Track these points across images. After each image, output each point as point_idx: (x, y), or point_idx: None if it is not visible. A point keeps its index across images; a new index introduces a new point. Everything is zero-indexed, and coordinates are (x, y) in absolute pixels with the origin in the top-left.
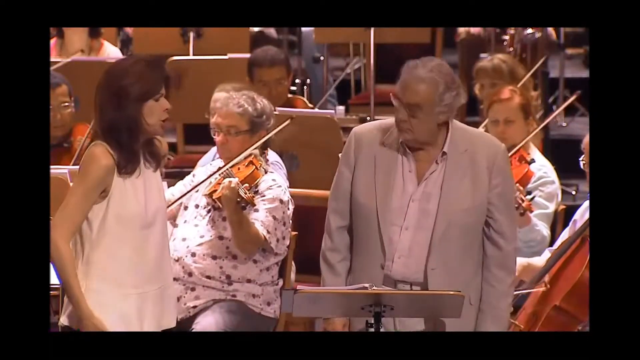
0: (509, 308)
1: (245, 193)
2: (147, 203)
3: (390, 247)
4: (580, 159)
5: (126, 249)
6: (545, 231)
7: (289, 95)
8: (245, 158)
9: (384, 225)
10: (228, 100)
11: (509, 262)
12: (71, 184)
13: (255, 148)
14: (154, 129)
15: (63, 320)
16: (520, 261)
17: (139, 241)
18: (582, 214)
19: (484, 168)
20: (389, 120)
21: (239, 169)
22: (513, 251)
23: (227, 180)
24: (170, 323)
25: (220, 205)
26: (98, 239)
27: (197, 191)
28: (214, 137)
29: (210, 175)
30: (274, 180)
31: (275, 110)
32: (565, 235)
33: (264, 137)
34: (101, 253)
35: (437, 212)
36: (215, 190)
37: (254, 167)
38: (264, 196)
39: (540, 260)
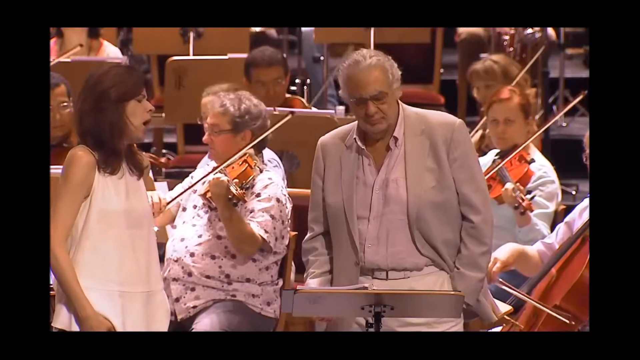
0: (479, 280)
1: (237, 189)
2: (133, 203)
3: (360, 239)
4: (583, 154)
5: (110, 246)
6: (546, 231)
7: (287, 96)
8: (240, 157)
9: (352, 220)
10: (214, 101)
11: (478, 234)
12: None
13: (250, 147)
14: (137, 131)
15: (57, 324)
16: (514, 247)
17: (124, 240)
18: (581, 214)
19: (442, 144)
20: (350, 125)
21: (232, 167)
22: (483, 223)
23: (216, 176)
24: (161, 329)
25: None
26: (82, 239)
27: (195, 192)
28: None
29: (205, 176)
30: (270, 178)
31: (275, 111)
32: (557, 234)
33: (248, 136)
34: (86, 252)
35: (407, 195)
36: (209, 190)
37: (247, 165)
38: (259, 195)
39: (532, 250)
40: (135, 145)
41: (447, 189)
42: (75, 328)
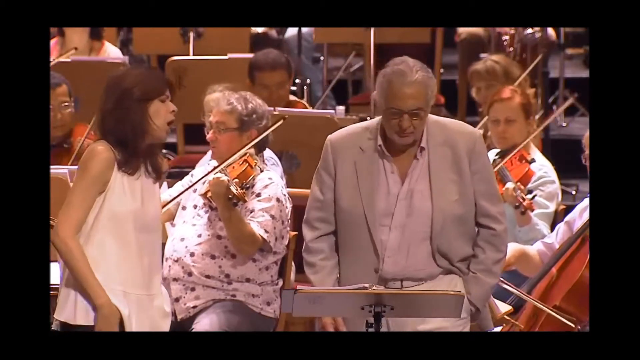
0: (492, 286)
1: (237, 189)
2: (145, 206)
3: (380, 248)
4: (582, 155)
5: (117, 246)
6: (546, 230)
7: (291, 98)
8: (240, 157)
9: (374, 228)
10: (220, 99)
11: (498, 241)
12: (72, 183)
13: (250, 147)
14: (160, 131)
15: (62, 317)
16: (516, 247)
17: (131, 242)
18: (581, 214)
19: (464, 155)
20: (361, 124)
21: (233, 167)
22: (503, 232)
23: (216, 175)
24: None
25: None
26: (92, 234)
27: (194, 191)
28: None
29: (206, 175)
30: (270, 178)
31: (275, 111)
32: (557, 234)
33: (254, 136)
34: (94, 248)
35: (432, 207)
36: (209, 190)
37: (247, 164)
38: (260, 195)
39: (532, 250)
40: (158, 148)
41: (468, 201)
42: (79, 322)
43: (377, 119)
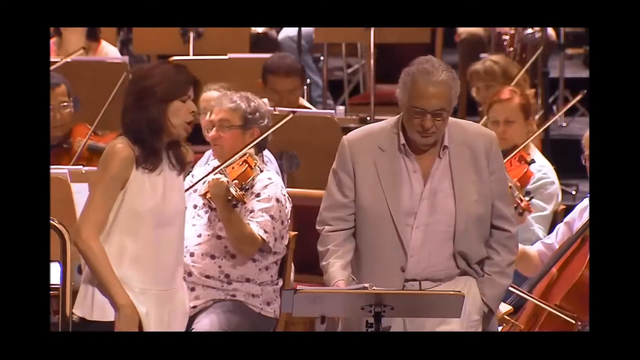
0: (506, 287)
1: (237, 191)
2: (166, 202)
3: (407, 247)
4: (582, 155)
5: (137, 244)
6: (541, 233)
7: (301, 101)
8: (240, 157)
9: (402, 228)
10: (222, 98)
11: (512, 243)
12: (72, 183)
13: (251, 147)
14: (178, 130)
15: (79, 313)
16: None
17: (152, 240)
18: (581, 215)
19: (483, 156)
20: (377, 124)
21: (233, 167)
22: (516, 234)
23: (215, 177)
24: (179, 328)
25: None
26: (111, 233)
27: (195, 191)
28: (206, 135)
29: (206, 175)
30: (269, 178)
31: (275, 111)
32: (557, 234)
33: (256, 134)
34: (113, 247)
35: (456, 207)
36: (209, 191)
37: (247, 165)
38: (259, 195)
39: (532, 250)
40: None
41: (487, 201)
42: (96, 317)
43: (393, 118)
